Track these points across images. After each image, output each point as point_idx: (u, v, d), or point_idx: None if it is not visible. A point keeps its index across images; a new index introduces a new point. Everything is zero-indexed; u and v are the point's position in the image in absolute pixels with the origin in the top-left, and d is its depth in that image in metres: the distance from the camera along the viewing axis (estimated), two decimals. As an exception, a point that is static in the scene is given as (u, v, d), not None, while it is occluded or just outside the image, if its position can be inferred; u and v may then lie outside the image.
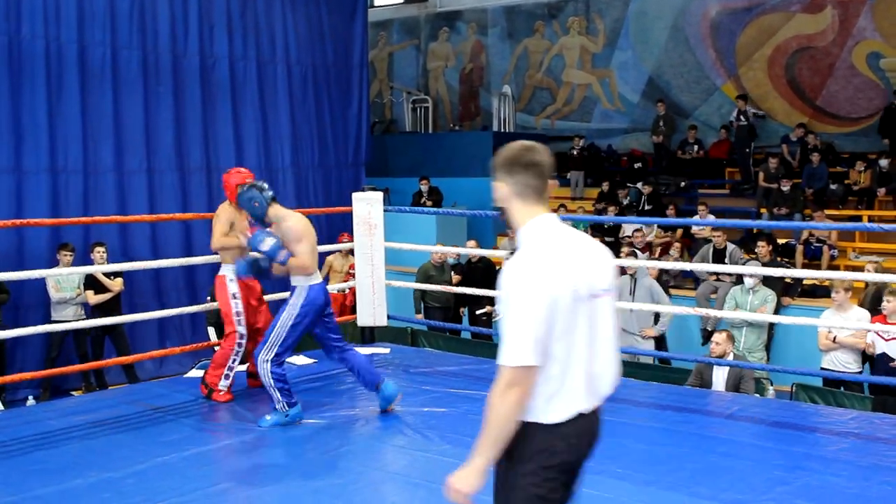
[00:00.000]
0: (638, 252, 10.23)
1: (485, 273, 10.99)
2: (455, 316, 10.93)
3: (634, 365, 8.59)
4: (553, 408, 2.61)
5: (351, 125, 14.07)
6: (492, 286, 10.42)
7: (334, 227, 12.61)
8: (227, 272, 5.97)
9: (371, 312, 7.52)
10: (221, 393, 5.93)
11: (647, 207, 13.97)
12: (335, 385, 6.38)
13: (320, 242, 6.42)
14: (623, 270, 9.45)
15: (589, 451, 2.76)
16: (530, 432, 2.61)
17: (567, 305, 2.56)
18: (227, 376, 5.95)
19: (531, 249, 2.61)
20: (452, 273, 10.91)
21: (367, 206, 7.44)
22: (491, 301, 11.05)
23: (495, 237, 14.69)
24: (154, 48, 11.27)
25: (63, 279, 9.36)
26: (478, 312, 10.98)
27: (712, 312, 7.55)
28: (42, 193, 10.25)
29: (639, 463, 4.76)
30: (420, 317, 10.58)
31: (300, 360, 7.17)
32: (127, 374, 9.84)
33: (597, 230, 12.69)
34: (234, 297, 5.93)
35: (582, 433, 2.69)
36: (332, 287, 10.12)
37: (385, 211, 7.57)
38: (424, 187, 14.93)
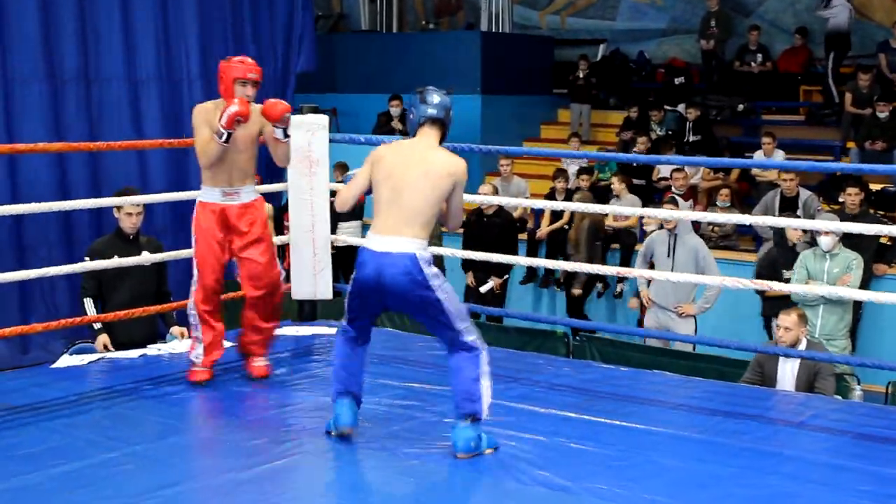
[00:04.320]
0: (679, 199, 10.21)
1: (502, 232, 10.91)
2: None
3: (668, 353, 8.63)
4: None
5: (281, 20, 13.91)
6: (509, 249, 10.47)
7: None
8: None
9: (311, 281, 7.48)
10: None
11: (691, 139, 13.96)
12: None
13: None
14: (660, 224, 9.44)
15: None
16: None
17: None
18: None
19: None
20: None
21: (307, 135, 7.36)
22: (498, 271, 11.01)
23: (482, 177, 14.67)
24: None
25: None
26: (482, 290, 10.91)
27: (775, 286, 7.47)
28: None
29: (673, 487, 4.78)
30: None
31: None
32: (-29, 362, 9.81)
33: (623, 170, 12.68)
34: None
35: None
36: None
37: (331, 141, 7.51)
38: (396, 110, 14.85)
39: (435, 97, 5.25)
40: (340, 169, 11.96)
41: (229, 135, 5.88)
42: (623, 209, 10.39)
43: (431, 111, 5.23)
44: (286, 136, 6.16)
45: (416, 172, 5.04)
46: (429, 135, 5.26)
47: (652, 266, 9.29)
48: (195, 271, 6.19)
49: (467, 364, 5.01)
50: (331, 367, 5.37)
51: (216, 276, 6.16)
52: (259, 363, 6.36)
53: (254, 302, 6.27)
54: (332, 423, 5.27)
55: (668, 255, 9.15)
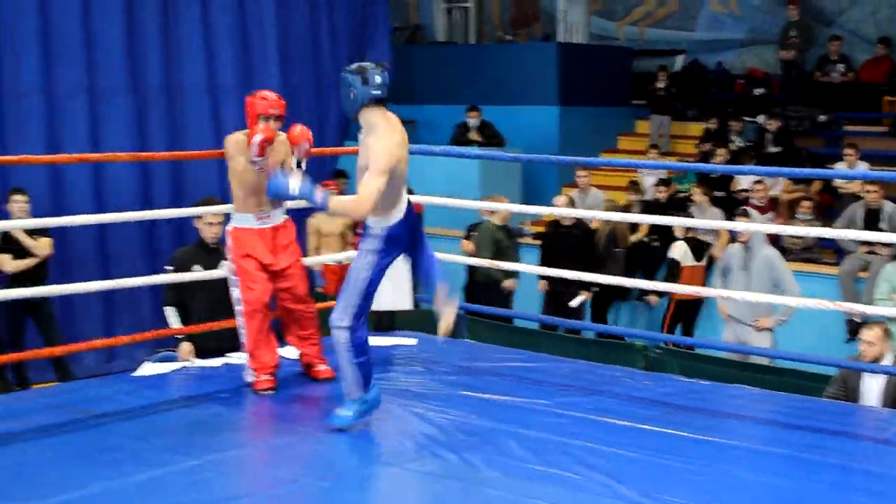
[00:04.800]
0: (754, 212, 10.11)
1: (580, 244, 10.85)
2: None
3: (747, 367, 8.54)
4: None
5: (358, 31, 13.97)
6: (587, 261, 10.29)
7: (322, 172, 12.48)
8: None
9: (390, 292, 7.50)
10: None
11: (772, 150, 13.84)
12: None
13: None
14: (733, 237, 9.37)
15: None
16: None
17: None
18: None
19: None
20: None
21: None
22: (586, 285, 10.82)
23: (559, 188, 14.63)
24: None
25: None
26: (572, 304, 10.85)
27: (856, 307, 7.41)
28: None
29: (755, 502, 4.74)
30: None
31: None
32: (57, 369, 9.92)
33: (703, 182, 12.58)
34: None
35: None
36: (327, 258, 9.99)
37: (409, 153, 7.51)
38: (474, 121, 14.81)
39: (377, 77, 5.51)
40: (341, 177, 12.18)
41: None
42: (688, 221, 10.29)
43: (377, 91, 5.51)
44: (299, 166, 6.41)
45: (406, 152, 5.62)
46: (383, 110, 5.55)
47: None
48: (238, 292, 6.33)
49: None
50: (361, 366, 5.49)
51: (265, 288, 6.34)
52: (321, 367, 6.55)
53: (294, 315, 6.53)
54: (373, 407, 5.63)
55: (743, 268, 9.08)
